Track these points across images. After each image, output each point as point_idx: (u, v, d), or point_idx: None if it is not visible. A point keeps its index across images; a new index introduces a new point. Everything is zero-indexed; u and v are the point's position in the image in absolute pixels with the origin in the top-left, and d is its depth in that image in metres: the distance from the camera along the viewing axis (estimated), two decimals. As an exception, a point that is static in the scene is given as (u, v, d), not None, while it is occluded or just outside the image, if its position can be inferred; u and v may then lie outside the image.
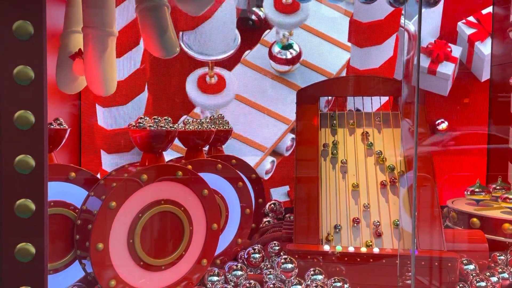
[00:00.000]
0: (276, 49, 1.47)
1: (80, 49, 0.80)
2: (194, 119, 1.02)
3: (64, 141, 0.81)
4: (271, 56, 1.47)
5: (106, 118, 1.41)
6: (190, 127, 0.96)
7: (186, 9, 0.86)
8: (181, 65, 1.47)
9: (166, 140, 0.80)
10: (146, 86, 1.45)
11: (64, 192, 0.79)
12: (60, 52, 0.83)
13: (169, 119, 0.82)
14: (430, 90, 1.62)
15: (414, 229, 0.90)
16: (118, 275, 0.75)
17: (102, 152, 1.42)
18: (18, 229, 0.60)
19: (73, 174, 0.79)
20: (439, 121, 1.62)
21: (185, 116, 1.46)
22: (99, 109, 1.42)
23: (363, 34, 1.52)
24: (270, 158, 1.51)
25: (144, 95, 1.44)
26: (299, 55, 1.48)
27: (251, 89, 1.49)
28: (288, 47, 1.47)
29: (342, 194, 1.06)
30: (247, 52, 1.48)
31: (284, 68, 1.48)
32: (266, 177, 1.51)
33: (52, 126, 0.78)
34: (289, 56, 1.47)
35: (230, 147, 1.45)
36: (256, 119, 1.49)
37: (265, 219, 1.32)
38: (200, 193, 0.84)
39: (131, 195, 0.75)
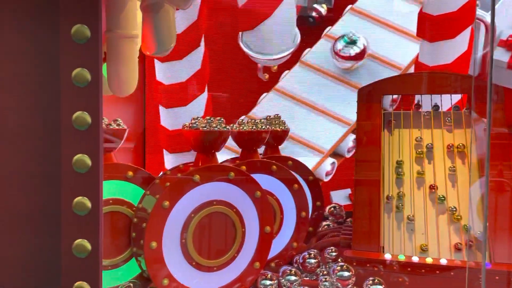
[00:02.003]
0: (339, 45, 1.41)
1: (105, 52, 0.81)
2: (250, 119, 1.01)
3: (123, 141, 0.84)
4: (334, 53, 1.42)
5: (168, 119, 1.45)
6: (245, 128, 0.95)
7: (175, 3, 0.84)
8: (241, 65, 1.47)
9: (218, 140, 0.80)
10: (206, 87, 1.47)
11: (122, 190, 0.81)
12: None
13: (222, 119, 0.82)
14: (510, 87, 1.48)
15: (485, 238, 0.82)
16: (171, 274, 0.75)
17: (165, 152, 1.47)
18: (75, 225, 0.62)
19: (130, 173, 0.81)
20: (520, 121, 1.47)
21: (243, 117, 1.46)
22: (161, 110, 1.46)
23: (433, 27, 1.42)
24: (330, 160, 1.46)
25: (204, 96, 1.46)
26: (364, 50, 1.41)
27: (310, 89, 1.45)
28: (352, 43, 1.41)
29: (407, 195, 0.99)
30: (306, 50, 1.45)
31: (348, 64, 1.42)
32: (326, 179, 1.46)
33: (111, 127, 0.81)
34: (353, 52, 1.41)
35: (288, 149, 1.43)
36: (315, 120, 1.45)
37: (324, 223, 1.28)
38: (253, 195, 0.83)
39: (184, 195, 0.76)
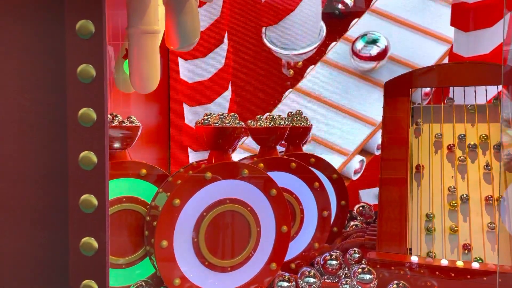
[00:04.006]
0: (359, 45, 1.35)
1: (126, 49, 0.81)
2: (270, 115, 0.98)
3: (137, 138, 0.83)
4: (354, 52, 1.36)
5: (193, 117, 1.44)
6: (262, 124, 0.92)
7: None
8: (265, 62, 1.44)
9: (231, 137, 0.78)
10: (230, 84, 1.45)
11: (136, 188, 0.80)
12: (119, 53, 0.86)
13: (236, 115, 0.79)
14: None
15: None
16: (183, 273, 0.74)
17: (189, 150, 1.46)
18: (82, 223, 0.62)
19: (144, 171, 0.80)
20: None
21: (267, 114, 1.42)
22: (186, 108, 1.45)
23: (469, 16, 1.34)
24: (359, 157, 1.41)
25: (228, 93, 1.44)
26: (385, 50, 1.35)
27: (333, 89, 1.40)
28: (373, 42, 1.35)
29: (437, 195, 0.93)
30: (331, 45, 1.39)
31: (369, 65, 1.36)
32: (355, 178, 1.41)
33: (124, 124, 0.80)
34: (374, 52, 1.35)
35: (310, 151, 1.38)
36: (338, 121, 1.39)
37: (352, 223, 1.23)
38: (268, 193, 0.80)
39: (195, 193, 0.74)
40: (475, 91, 1.07)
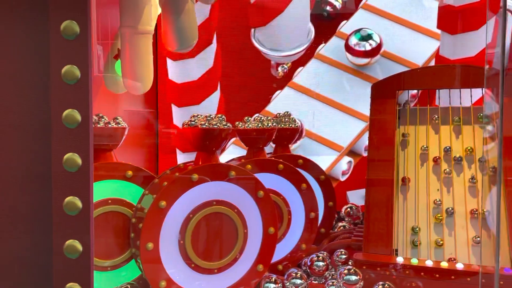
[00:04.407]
0: (353, 40, 1.36)
1: (119, 49, 0.80)
2: (259, 116, 0.98)
3: (123, 139, 0.83)
4: (348, 48, 1.37)
5: (181, 118, 1.44)
6: (250, 125, 0.92)
7: None
8: (254, 63, 1.44)
9: (218, 138, 0.77)
10: (219, 85, 1.44)
11: (122, 190, 0.80)
12: (109, 53, 0.85)
13: (223, 116, 0.79)
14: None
15: (499, 242, 0.76)
16: (169, 276, 0.73)
17: (178, 151, 1.46)
18: (67, 226, 0.61)
19: (130, 172, 0.80)
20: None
21: (257, 115, 1.43)
22: (174, 109, 1.45)
23: (455, 19, 1.35)
24: (347, 159, 1.41)
25: (217, 94, 1.44)
26: (379, 46, 1.36)
27: (327, 84, 1.41)
28: (367, 37, 1.36)
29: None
30: (321, 45, 1.40)
31: (363, 61, 1.37)
32: (343, 179, 1.42)
33: (110, 125, 0.80)
34: (368, 48, 1.36)
35: (303, 146, 1.39)
36: (331, 116, 1.40)
37: (340, 224, 1.24)
38: (256, 194, 0.80)
39: (181, 195, 0.74)
40: (471, 94, 1.07)
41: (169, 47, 0.77)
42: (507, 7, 1.38)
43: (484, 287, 0.74)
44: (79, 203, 0.61)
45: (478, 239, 0.86)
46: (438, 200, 0.91)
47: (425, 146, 0.98)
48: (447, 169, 0.93)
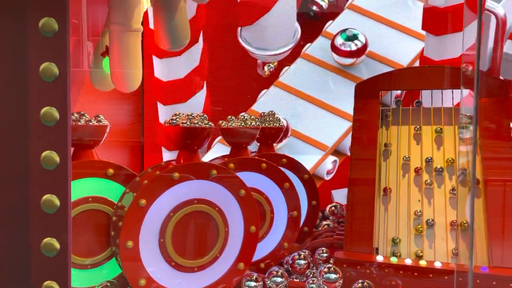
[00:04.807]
0: (339, 40, 1.37)
1: (107, 46, 0.80)
2: (246, 115, 0.99)
3: (105, 137, 0.82)
4: (334, 48, 1.38)
5: (167, 116, 1.43)
6: (233, 124, 0.93)
7: None
8: (241, 61, 1.44)
9: (200, 137, 0.78)
10: (205, 83, 1.44)
11: (102, 188, 0.79)
12: (96, 50, 0.85)
13: (205, 115, 0.79)
14: (522, 82, 1.41)
15: (472, 239, 0.77)
16: (148, 274, 0.73)
17: (163, 150, 1.45)
18: (44, 224, 0.61)
19: (111, 170, 0.80)
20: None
21: (243, 113, 1.43)
22: (160, 107, 1.44)
23: (440, 20, 1.37)
24: (332, 158, 1.42)
25: (203, 92, 1.44)
26: (364, 46, 1.37)
27: (312, 84, 1.41)
28: (352, 37, 1.37)
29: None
30: (308, 45, 1.41)
31: (348, 61, 1.38)
32: (328, 178, 1.43)
33: (92, 123, 0.79)
34: (353, 48, 1.37)
35: (289, 146, 1.39)
36: (317, 116, 1.41)
37: (324, 222, 1.25)
38: (237, 193, 0.80)
39: (162, 193, 0.74)
40: (452, 95, 1.08)
41: (162, 45, 0.77)
42: (489, 8, 1.40)
43: (461, 286, 0.76)
44: (57, 201, 0.60)
45: (457, 251, 0.86)
46: (419, 211, 0.91)
47: (407, 156, 0.98)
48: (428, 180, 0.93)
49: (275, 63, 1.43)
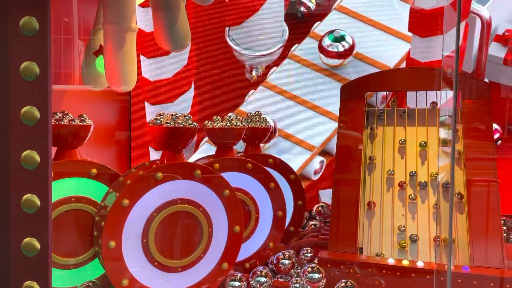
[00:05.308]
0: (326, 41, 1.38)
1: (101, 45, 0.80)
2: (232, 115, 0.99)
3: (88, 137, 0.82)
4: (322, 49, 1.39)
5: (154, 115, 1.43)
6: (218, 125, 0.93)
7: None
8: (229, 62, 1.44)
9: (184, 137, 0.78)
10: (193, 83, 1.44)
11: (85, 188, 0.79)
12: (87, 49, 0.84)
13: (189, 116, 0.79)
14: (506, 84, 1.43)
15: (451, 241, 0.78)
16: (131, 274, 0.73)
17: (150, 149, 1.45)
18: (24, 223, 0.60)
19: (94, 170, 0.79)
20: (518, 119, 1.42)
21: (231, 113, 1.43)
22: (148, 107, 1.44)
23: (425, 22, 1.38)
24: (319, 158, 1.43)
25: (191, 92, 1.44)
26: (351, 47, 1.38)
27: (300, 84, 1.42)
28: (340, 39, 1.37)
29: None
30: (295, 46, 1.42)
31: (335, 62, 1.39)
32: (315, 178, 1.43)
33: (75, 122, 0.79)
34: (340, 49, 1.38)
35: (276, 146, 1.40)
36: (305, 116, 1.42)
37: (311, 222, 1.25)
38: (221, 193, 0.80)
39: (145, 193, 0.74)
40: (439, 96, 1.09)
41: (164, 46, 0.77)
42: (474, 10, 1.41)
43: (441, 285, 0.77)
44: (37, 201, 0.60)
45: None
46: (402, 226, 0.91)
47: (391, 170, 0.97)
48: (412, 195, 0.93)
49: (263, 68, 1.43)
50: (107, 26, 0.76)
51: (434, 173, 0.95)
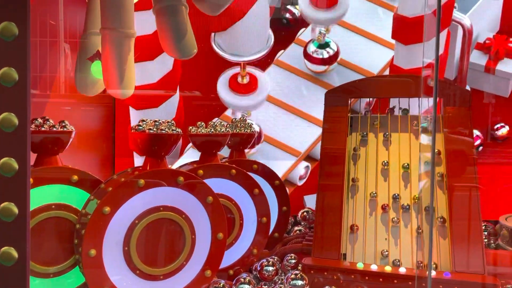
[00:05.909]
0: (311, 48, 1.39)
1: (98, 51, 0.79)
2: (216, 121, 0.99)
3: (69, 143, 0.81)
4: (306, 55, 1.40)
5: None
6: (202, 131, 0.92)
7: (202, 9, 0.83)
8: (214, 67, 1.44)
9: (167, 144, 0.77)
10: (178, 88, 1.44)
11: (66, 195, 0.78)
12: (79, 55, 0.83)
13: (172, 122, 0.79)
14: (488, 91, 1.46)
15: (431, 247, 0.79)
16: (112, 283, 0.72)
17: (135, 155, 1.44)
18: (2, 232, 0.59)
19: (75, 177, 0.78)
20: (498, 125, 1.45)
21: (216, 119, 1.43)
22: (132, 112, 1.43)
23: (408, 30, 1.40)
24: (304, 163, 1.44)
25: (176, 97, 1.43)
26: (336, 54, 1.39)
27: (285, 90, 1.42)
28: (324, 45, 1.39)
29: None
30: (280, 52, 1.42)
31: (320, 68, 1.40)
32: (300, 183, 1.44)
33: (55, 128, 0.78)
34: (325, 56, 1.39)
35: (262, 151, 1.40)
36: (290, 122, 1.42)
37: (296, 228, 1.25)
38: (204, 200, 0.80)
39: (127, 201, 0.73)
40: (420, 103, 1.09)
41: (171, 54, 0.77)
42: (456, 19, 1.43)
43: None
44: (15, 209, 0.59)
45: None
46: (385, 251, 0.90)
47: (374, 192, 0.97)
48: (395, 218, 0.93)
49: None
50: (106, 32, 0.75)
51: (416, 196, 0.94)
